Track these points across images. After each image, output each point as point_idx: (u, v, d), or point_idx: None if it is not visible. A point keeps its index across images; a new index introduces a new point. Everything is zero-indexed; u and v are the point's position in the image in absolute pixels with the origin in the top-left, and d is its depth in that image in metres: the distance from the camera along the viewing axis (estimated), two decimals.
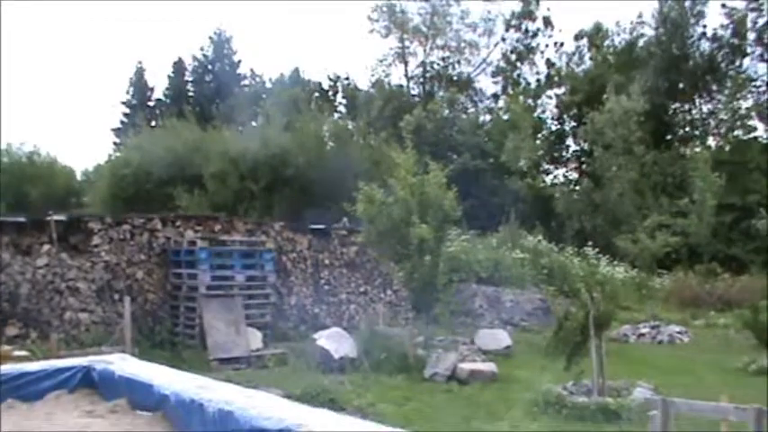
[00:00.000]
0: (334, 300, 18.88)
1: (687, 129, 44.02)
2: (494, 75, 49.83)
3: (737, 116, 41.40)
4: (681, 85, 42.36)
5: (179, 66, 53.27)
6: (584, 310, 11.60)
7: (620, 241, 29.72)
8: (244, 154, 30.32)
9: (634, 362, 14.81)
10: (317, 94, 49.37)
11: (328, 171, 29.56)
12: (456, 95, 46.01)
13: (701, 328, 21.14)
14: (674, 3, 41.91)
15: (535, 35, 48.26)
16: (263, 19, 68.74)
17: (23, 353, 11.66)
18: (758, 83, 41.58)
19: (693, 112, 43.94)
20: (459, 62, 49.95)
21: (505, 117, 44.54)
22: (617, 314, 16.35)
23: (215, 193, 29.67)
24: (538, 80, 48.13)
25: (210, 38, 54.09)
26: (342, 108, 51.45)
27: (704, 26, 42.10)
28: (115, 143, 49.93)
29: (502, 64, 49.30)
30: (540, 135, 43.70)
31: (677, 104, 43.53)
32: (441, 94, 48.17)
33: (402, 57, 49.80)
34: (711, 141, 42.67)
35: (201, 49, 53.95)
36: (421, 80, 50.33)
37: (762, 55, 41.08)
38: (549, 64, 47.51)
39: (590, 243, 30.77)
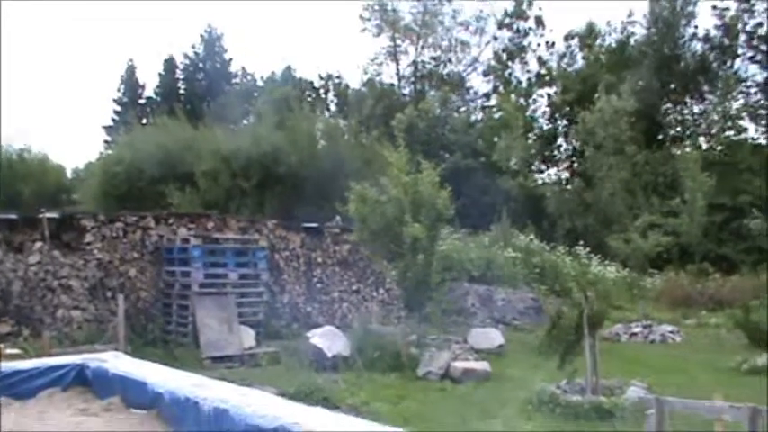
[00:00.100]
0: (326, 298, 18.86)
1: (678, 129, 44.17)
2: (485, 74, 49.93)
3: (728, 117, 41.54)
4: (672, 86, 42.51)
5: (170, 64, 53.16)
6: (577, 309, 11.63)
7: (613, 241, 29.80)
8: (236, 152, 30.25)
9: (627, 361, 14.85)
10: (308, 93, 49.34)
11: (320, 169, 29.55)
12: (448, 94, 46.05)
13: (692, 328, 21.22)
14: (666, 3, 42.03)
15: (526, 34, 48.34)
16: (253, 18, 68.62)
17: (15, 351, 11.64)
18: (749, 83, 41.80)
19: (685, 112, 44.10)
20: (450, 61, 50.04)
21: (497, 116, 44.60)
22: (609, 313, 16.39)
23: (207, 191, 29.58)
24: (529, 79, 48.22)
25: (201, 36, 54.07)
26: (333, 107, 51.47)
27: (695, 27, 42.31)
28: (106, 141, 49.83)
29: (493, 63, 49.37)
30: (531, 134, 43.74)
31: (669, 105, 43.66)
32: (432, 93, 48.22)
33: (394, 55, 49.84)
34: (703, 142, 42.83)
35: (193, 47, 53.95)
36: (412, 79, 50.36)
37: (753, 56, 41.22)
38: (541, 62, 47.59)
39: (581, 242, 30.86)
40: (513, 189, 38.02)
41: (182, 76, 54.09)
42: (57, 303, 14.36)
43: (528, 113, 45.37)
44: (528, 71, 48.29)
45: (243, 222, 18.32)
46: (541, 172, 45.71)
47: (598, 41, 45.89)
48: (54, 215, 15.16)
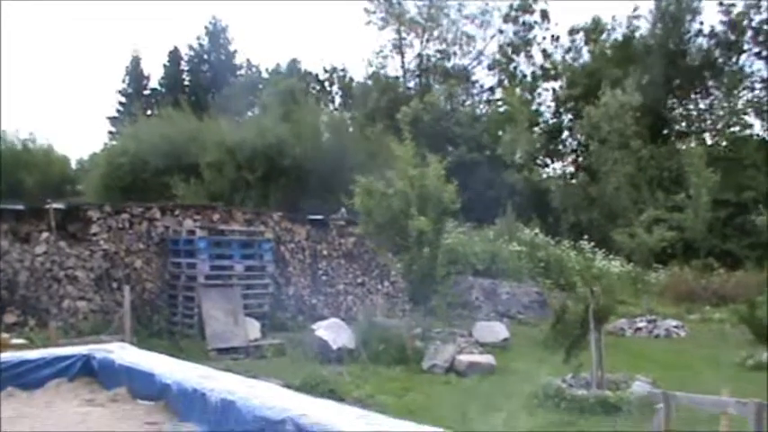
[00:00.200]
0: (331, 290, 18.87)
1: (684, 124, 44.10)
2: (490, 67, 49.80)
3: (734, 112, 41.45)
4: (678, 81, 42.36)
5: (175, 55, 53.20)
6: (583, 304, 11.64)
7: (618, 235, 29.75)
8: (241, 144, 30.26)
9: (631, 355, 14.84)
10: (313, 86, 49.31)
11: (324, 162, 29.55)
12: (454, 88, 45.99)
13: (696, 323, 21.20)
14: None
15: (532, 28, 48.18)
16: (258, 10, 68.47)
17: (22, 341, 11.70)
18: (754, 79, 41.69)
19: (690, 107, 44.01)
20: (455, 53, 49.92)
21: (502, 110, 44.52)
22: (616, 308, 16.38)
23: (211, 183, 29.60)
24: (533, 73, 48.08)
25: (206, 27, 54.06)
26: (337, 99, 51.47)
27: (701, 23, 42.19)
28: (110, 132, 49.82)
29: (498, 56, 49.25)
30: (536, 128, 43.66)
31: (674, 100, 43.57)
32: (437, 86, 48.12)
33: (399, 48, 49.72)
34: (708, 137, 42.77)
35: (198, 38, 53.94)
36: (417, 72, 50.26)
37: (759, 52, 41.10)
38: (546, 55, 47.45)
39: (586, 237, 30.86)
40: (518, 183, 37.97)
41: (186, 68, 54.12)
42: (63, 294, 14.39)
43: (533, 107, 45.21)
44: (533, 64, 48.18)
45: (249, 214, 18.33)
46: (546, 166, 45.64)
47: (603, 36, 45.73)
48: (60, 206, 15.20)
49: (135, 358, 5.81)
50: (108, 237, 15.26)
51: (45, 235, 14.51)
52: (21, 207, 14.90)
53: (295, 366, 12.48)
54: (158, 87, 53.05)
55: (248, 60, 54.64)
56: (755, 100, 41.34)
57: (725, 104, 41.82)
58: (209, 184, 29.56)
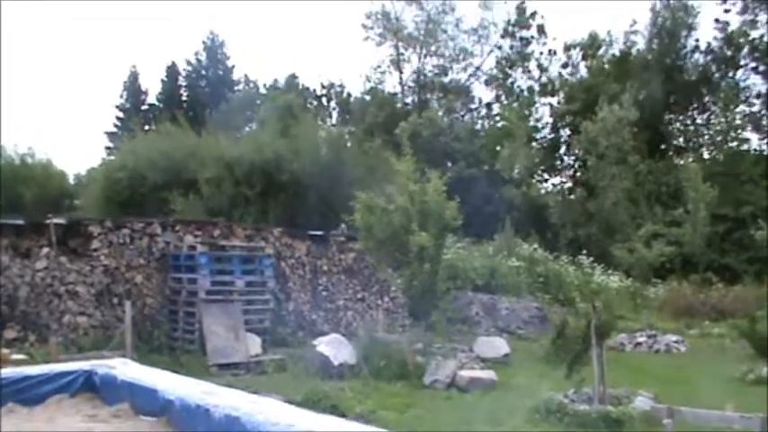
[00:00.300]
0: (331, 306, 18.85)
1: (681, 139, 44.27)
2: (487, 83, 49.97)
3: (731, 127, 41.60)
4: (675, 96, 42.53)
5: (172, 70, 53.34)
6: (585, 319, 11.64)
7: (617, 250, 29.80)
8: (239, 159, 30.28)
9: (632, 370, 14.83)
10: (310, 101, 49.44)
11: (323, 177, 29.55)
12: (453, 103, 46.13)
13: (696, 338, 21.22)
14: (667, 14, 42.13)
15: (529, 43, 48.39)
16: (256, 25, 68.74)
17: (22, 356, 11.66)
18: (751, 94, 41.88)
19: (687, 122, 44.18)
20: (452, 68, 50.08)
21: (500, 125, 44.66)
22: (617, 324, 16.39)
23: (210, 198, 29.57)
24: (530, 87, 48.26)
25: (204, 43, 54.23)
26: (334, 115, 51.59)
27: (696, 40, 42.44)
28: (108, 147, 49.85)
29: (496, 72, 49.42)
30: (534, 144, 43.78)
31: (671, 115, 43.73)
32: (435, 101, 48.26)
33: (397, 64, 49.87)
34: (705, 152, 42.91)
35: (195, 54, 54.11)
36: (415, 88, 50.37)
37: (756, 67, 41.30)
38: (542, 69, 47.64)
39: (584, 252, 30.89)
40: (517, 198, 38.06)
41: (184, 83, 54.28)
42: (63, 309, 14.35)
43: (531, 123, 45.36)
44: (531, 78, 48.37)
45: (249, 230, 18.34)
46: (545, 181, 45.76)
47: (601, 51, 45.89)
48: (61, 221, 15.19)
49: (137, 374, 5.79)
50: (109, 252, 15.25)
51: (46, 250, 14.49)
52: (21, 222, 14.89)
53: (296, 382, 12.46)
54: (156, 103, 53.13)
55: (246, 76, 54.91)
56: (752, 114, 41.51)
57: (722, 119, 42.02)
58: (207, 200, 29.52)
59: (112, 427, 5.02)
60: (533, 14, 47.47)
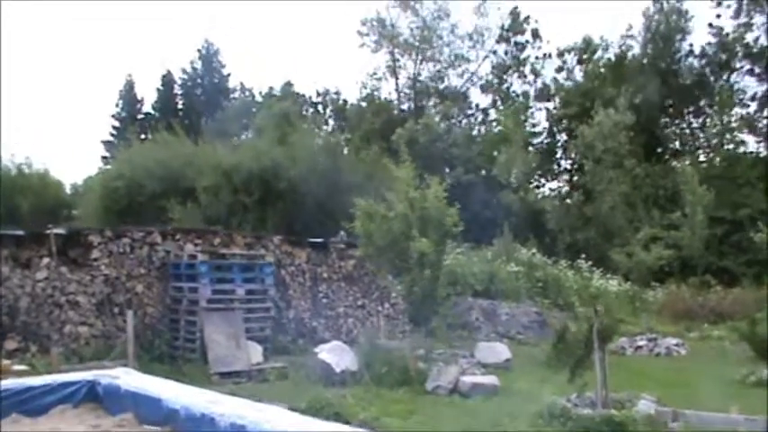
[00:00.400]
0: (332, 313, 18.83)
1: (678, 142, 44.38)
2: (483, 88, 50.04)
3: (727, 130, 41.72)
4: (670, 100, 42.66)
5: (168, 79, 53.26)
6: (587, 323, 11.66)
7: (615, 254, 29.86)
8: (237, 167, 30.27)
9: (633, 374, 14.83)
10: (306, 108, 49.48)
11: (320, 184, 29.57)
12: (450, 109, 46.18)
13: (695, 341, 21.24)
14: (661, 17, 42.29)
15: (524, 48, 48.52)
16: (251, 33, 68.83)
17: (23, 367, 11.64)
18: (746, 96, 42.02)
19: (683, 126, 44.31)
20: (448, 74, 50.16)
21: (496, 130, 44.73)
22: (619, 328, 16.40)
23: (208, 207, 29.54)
24: (525, 92, 48.35)
25: (199, 51, 54.19)
26: (330, 122, 51.56)
27: (690, 44, 42.60)
28: (104, 156, 49.76)
29: (491, 77, 49.52)
30: (531, 148, 43.83)
31: (667, 119, 43.85)
32: (431, 107, 48.33)
33: (393, 70, 49.94)
34: (702, 155, 43.01)
35: (191, 62, 54.09)
36: (411, 94, 50.42)
37: (751, 69, 41.43)
38: (536, 74, 47.76)
39: (583, 256, 30.93)
40: (515, 203, 38.06)
41: (180, 92, 54.18)
42: (64, 319, 14.33)
43: (527, 128, 45.43)
44: (527, 83, 48.47)
45: (249, 238, 18.32)
46: (542, 186, 45.83)
47: (596, 55, 46.01)
48: (61, 231, 15.18)
49: (141, 383, 5.80)
50: (109, 262, 15.23)
51: (46, 260, 14.47)
52: (21, 232, 14.87)
53: (298, 390, 12.43)
54: (152, 111, 53.06)
55: (242, 83, 54.89)
56: (748, 117, 41.63)
57: (717, 122, 42.13)
58: (205, 208, 29.50)
59: None
60: (527, 19, 47.64)
